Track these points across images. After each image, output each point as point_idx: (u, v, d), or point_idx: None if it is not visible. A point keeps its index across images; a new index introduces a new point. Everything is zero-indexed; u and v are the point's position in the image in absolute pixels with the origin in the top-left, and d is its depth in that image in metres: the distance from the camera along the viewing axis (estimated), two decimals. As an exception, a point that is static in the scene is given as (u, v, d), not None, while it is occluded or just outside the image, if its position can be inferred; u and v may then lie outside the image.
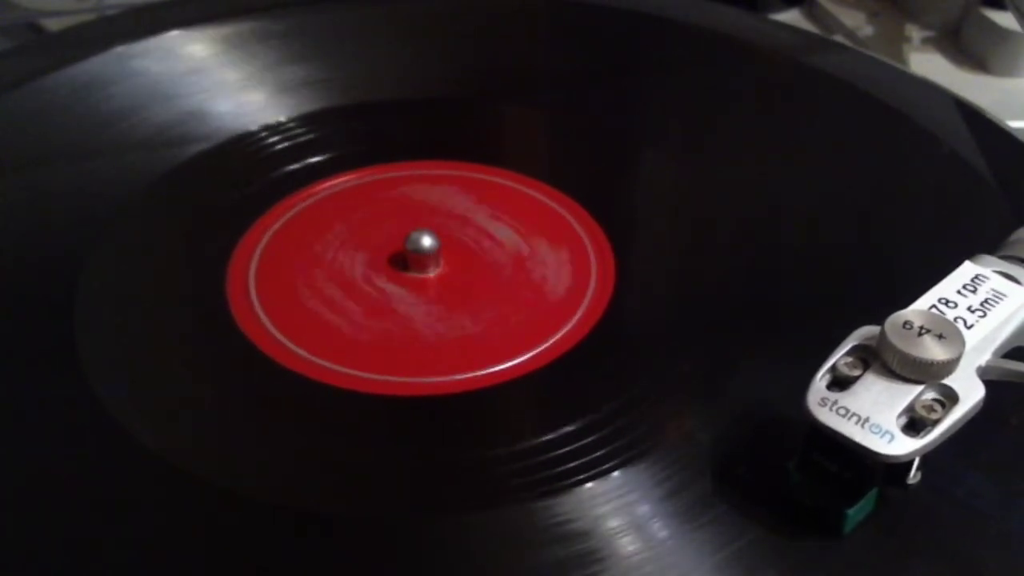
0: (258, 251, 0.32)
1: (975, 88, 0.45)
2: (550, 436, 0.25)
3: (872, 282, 0.29)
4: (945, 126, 0.36)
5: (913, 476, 0.22)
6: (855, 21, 0.52)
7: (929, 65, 0.48)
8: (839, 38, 0.51)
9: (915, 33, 0.51)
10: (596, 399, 0.26)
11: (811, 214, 0.33)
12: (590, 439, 0.25)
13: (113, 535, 0.22)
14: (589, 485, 0.23)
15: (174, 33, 0.40)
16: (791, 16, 0.55)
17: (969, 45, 0.50)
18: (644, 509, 0.23)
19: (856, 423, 0.21)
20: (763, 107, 0.39)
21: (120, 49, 0.39)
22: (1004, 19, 0.47)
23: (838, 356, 0.22)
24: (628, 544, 0.22)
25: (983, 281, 0.23)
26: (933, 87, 0.39)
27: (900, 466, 0.21)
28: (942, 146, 0.35)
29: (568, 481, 0.23)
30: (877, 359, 0.21)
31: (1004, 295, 0.23)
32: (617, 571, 0.22)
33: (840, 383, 0.21)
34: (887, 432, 0.20)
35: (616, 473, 0.24)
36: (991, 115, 0.36)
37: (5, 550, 0.22)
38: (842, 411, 0.21)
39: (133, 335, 0.29)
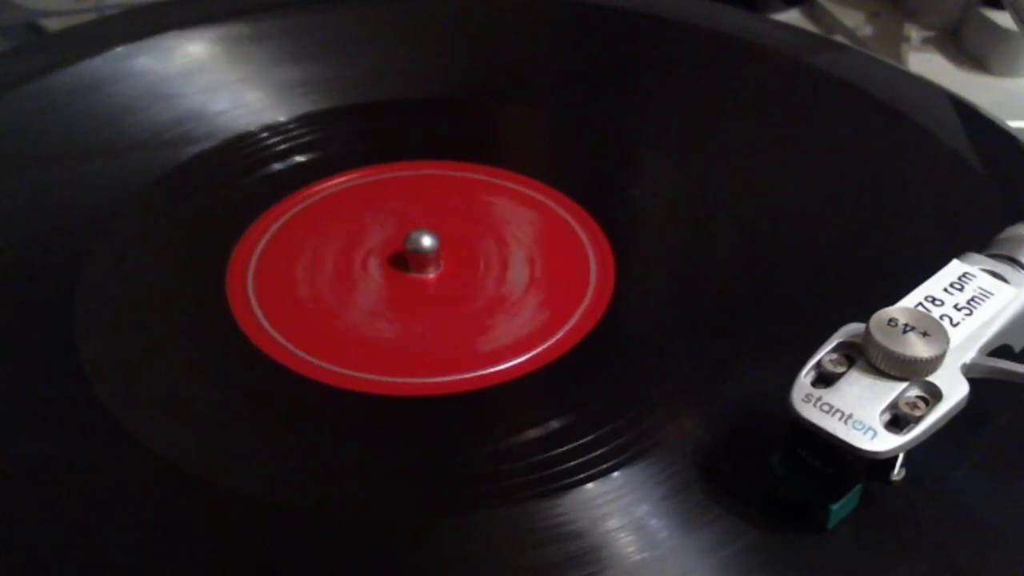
0: (258, 251, 0.32)
1: (975, 88, 0.45)
2: (550, 436, 0.25)
3: (872, 281, 0.29)
4: (944, 125, 0.36)
5: (897, 472, 0.22)
6: (855, 21, 0.52)
7: (929, 65, 0.49)
8: (839, 38, 0.51)
9: (915, 33, 0.51)
10: (595, 399, 0.26)
11: (810, 213, 0.33)
12: (590, 439, 0.25)
13: (112, 534, 0.22)
14: (589, 485, 0.23)
15: (174, 33, 0.40)
16: (791, 16, 0.55)
17: (969, 45, 0.50)
18: (643, 509, 0.23)
19: (839, 419, 0.21)
20: (763, 107, 0.39)
21: (120, 49, 0.39)
22: (1004, 19, 0.47)
23: (823, 353, 0.22)
24: (628, 544, 0.22)
25: (970, 279, 0.23)
26: (932, 87, 0.39)
27: (884, 462, 0.21)
28: (940, 145, 0.35)
29: (568, 481, 0.24)
30: (862, 356, 0.22)
31: (991, 293, 0.23)
32: (617, 571, 0.22)
33: (825, 379, 0.22)
34: (870, 428, 0.20)
35: (616, 473, 0.24)
36: (989, 114, 0.36)
37: (5, 550, 0.22)
38: (826, 407, 0.21)
39: (133, 335, 0.29)
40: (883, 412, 0.21)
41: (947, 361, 0.21)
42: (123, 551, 0.22)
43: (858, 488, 0.22)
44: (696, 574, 0.22)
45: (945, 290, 0.23)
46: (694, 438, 0.25)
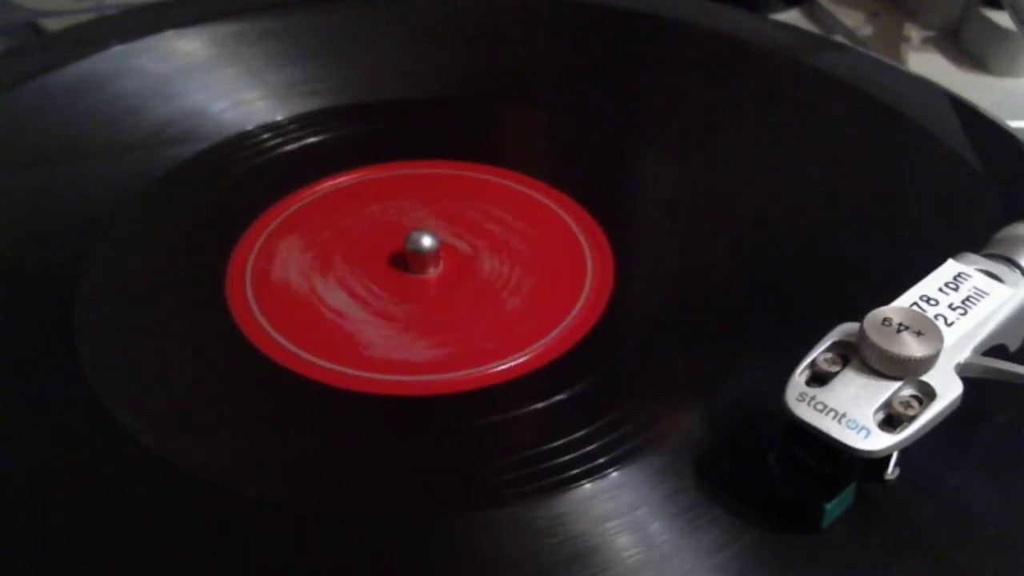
0: (257, 251, 0.32)
1: (975, 88, 0.45)
2: (549, 436, 0.25)
3: (872, 281, 0.29)
4: (943, 125, 0.36)
5: (891, 472, 0.22)
6: (855, 21, 0.52)
7: (929, 65, 0.49)
8: (839, 38, 0.51)
9: (915, 33, 0.51)
10: (595, 399, 0.26)
11: (810, 213, 0.33)
12: (589, 439, 0.25)
13: (112, 534, 0.22)
14: (588, 485, 0.23)
15: (173, 33, 0.40)
16: (791, 16, 0.55)
17: (969, 45, 0.50)
18: (643, 509, 0.23)
19: (833, 418, 0.21)
20: (763, 107, 0.39)
21: (119, 49, 0.39)
22: (1004, 19, 0.47)
23: (818, 352, 0.22)
24: (627, 544, 0.22)
25: (965, 279, 0.24)
26: (932, 87, 0.39)
27: (878, 461, 0.21)
28: (940, 145, 0.35)
29: (568, 481, 0.24)
30: (856, 355, 0.22)
31: (986, 293, 0.23)
32: (616, 571, 0.22)
33: (819, 379, 0.22)
34: (863, 427, 0.20)
35: (615, 473, 0.24)
36: (988, 114, 0.36)
37: (5, 550, 0.22)
38: (820, 406, 0.21)
39: (133, 335, 0.29)
40: (877, 411, 0.21)
41: (941, 360, 0.21)
42: (123, 551, 0.22)
43: (852, 487, 0.22)
44: (696, 574, 0.22)
45: (940, 290, 0.23)
46: (693, 438, 0.25)
